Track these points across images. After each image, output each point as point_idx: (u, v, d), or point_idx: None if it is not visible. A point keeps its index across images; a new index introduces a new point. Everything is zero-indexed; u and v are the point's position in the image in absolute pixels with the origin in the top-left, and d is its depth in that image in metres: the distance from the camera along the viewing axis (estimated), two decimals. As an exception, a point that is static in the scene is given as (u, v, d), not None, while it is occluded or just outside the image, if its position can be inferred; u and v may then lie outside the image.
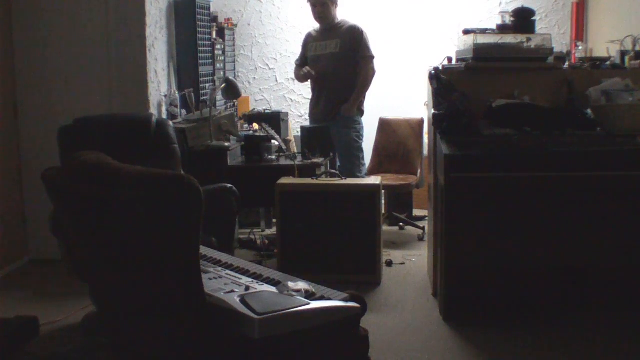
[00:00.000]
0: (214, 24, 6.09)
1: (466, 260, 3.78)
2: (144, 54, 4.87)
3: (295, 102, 6.86)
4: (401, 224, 5.91)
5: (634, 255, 3.80)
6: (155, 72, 5.06)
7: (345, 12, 5.73)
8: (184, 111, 5.41)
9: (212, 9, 6.03)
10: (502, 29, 4.41)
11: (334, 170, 4.87)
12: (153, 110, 4.94)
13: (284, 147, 5.19)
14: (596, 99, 4.09)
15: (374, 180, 4.71)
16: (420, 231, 5.66)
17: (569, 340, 3.56)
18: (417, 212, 6.12)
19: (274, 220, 5.14)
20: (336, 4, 5.46)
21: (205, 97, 5.54)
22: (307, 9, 5.51)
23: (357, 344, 2.39)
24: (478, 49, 4.16)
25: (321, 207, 4.44)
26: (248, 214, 5.81)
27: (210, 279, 2.43)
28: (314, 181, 4.57)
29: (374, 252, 4.44)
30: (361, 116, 5.56)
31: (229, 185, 4.25)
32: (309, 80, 5.68)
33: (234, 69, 6.74)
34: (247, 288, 2.35)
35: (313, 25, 5.64)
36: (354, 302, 2.35)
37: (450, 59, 4.54)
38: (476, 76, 4.23)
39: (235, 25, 6.76)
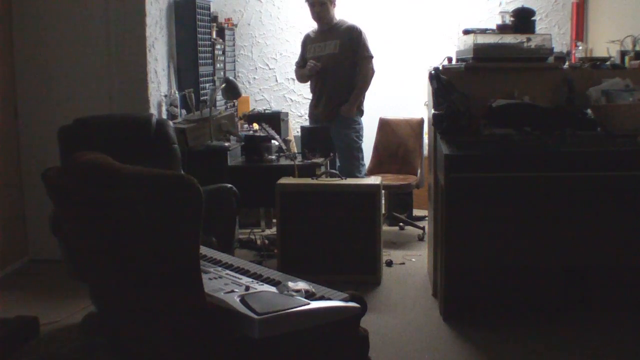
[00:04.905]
0: (214, 24, 6.09)
1: (466, 260, 3.78)
2: (144, 54, 4.87)
3: (295, 102, 6.86)
4: (401, 224, 5.91)
5: (634, 255, 3.80)
6: (155, 72, 5.06)
7: (344, 12, 5.73)
8: (184, 111, 5.41)
9: (212, 9, 6.03)
10: (502, 29, 4.40)
11: (334, 171, 4.87)
12: (153, 110, 4.94)
13: (284, 147, 5.19)
14: (596, 99, 4.09)
15: (374, 180, 4.71)
16: (420, 231, 5.66)
17: (569, 340, 3.56)
18: (417, 212, 6.12)
19: (274, 220, 5.14)
20: (334, 4, 5.45)
21: (205, 97, 5.54)
22: (307, 8, 5.51)
23: (357, 344, 2.39)
24: (478, 49, 4.16)
25: (321, 207, 4.44)
26: (248, 214, 5.81)
27: (210, 279, 2.43)
28: (314, 181, 4.57)
29: (374, 252, 4.44)
30: (361, 116, 5.55)
31: (229, 185, 4.26)
32: (309, 81, 5.68)
33: (234, 69, 6.74)
34: (247, 288, 2.34)
35: (312, 26, 5.63)
36: (354, 302, 2.35)
37: (450, 59, 4.54)
38: (476, 76, 4.23)
39: (235, 25, 6.76)
